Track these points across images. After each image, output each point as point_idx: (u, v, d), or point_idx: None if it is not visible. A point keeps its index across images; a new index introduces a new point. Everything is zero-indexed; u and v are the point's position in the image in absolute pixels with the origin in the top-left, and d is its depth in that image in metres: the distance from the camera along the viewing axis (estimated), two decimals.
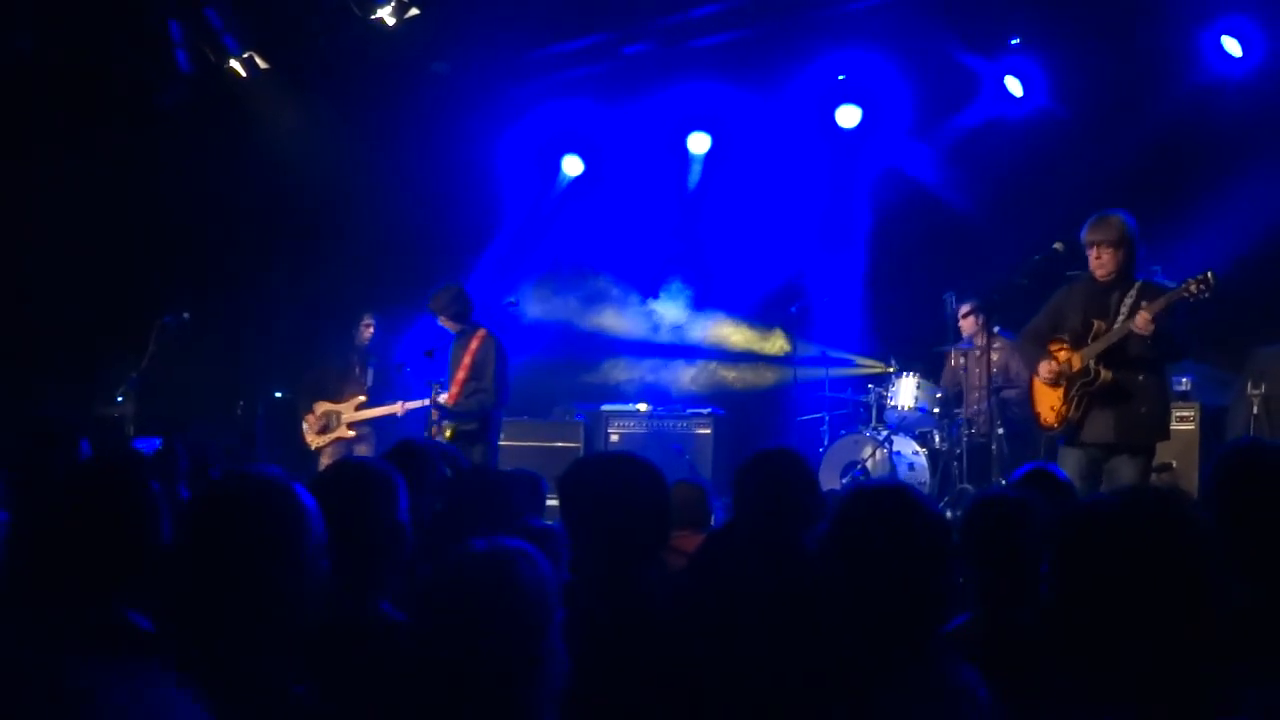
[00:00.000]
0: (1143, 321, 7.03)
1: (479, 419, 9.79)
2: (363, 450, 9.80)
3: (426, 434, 9.52)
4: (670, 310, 13.38)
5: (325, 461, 9.78)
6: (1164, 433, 7.53)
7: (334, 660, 3.12)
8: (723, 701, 2.52)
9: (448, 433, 9.54)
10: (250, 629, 2.84)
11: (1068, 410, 7.50)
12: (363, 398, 10.29)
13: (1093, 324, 7.42)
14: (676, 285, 13.35)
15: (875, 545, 2.90)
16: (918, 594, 2.89)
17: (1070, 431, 7.52)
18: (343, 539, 3.06)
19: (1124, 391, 7.32)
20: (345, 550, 3.08)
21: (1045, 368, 7.61)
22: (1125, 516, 2.26)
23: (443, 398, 9.68)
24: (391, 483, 3.50)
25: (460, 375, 9.78)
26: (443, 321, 10.00)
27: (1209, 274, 6.94)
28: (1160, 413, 7.47)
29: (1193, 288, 6.97)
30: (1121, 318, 7.31)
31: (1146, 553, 2.19)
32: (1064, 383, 7.52)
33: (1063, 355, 7.57)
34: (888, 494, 3.02)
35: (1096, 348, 7.34)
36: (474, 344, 9.85)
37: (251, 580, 2.85)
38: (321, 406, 9.94)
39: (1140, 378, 7.33)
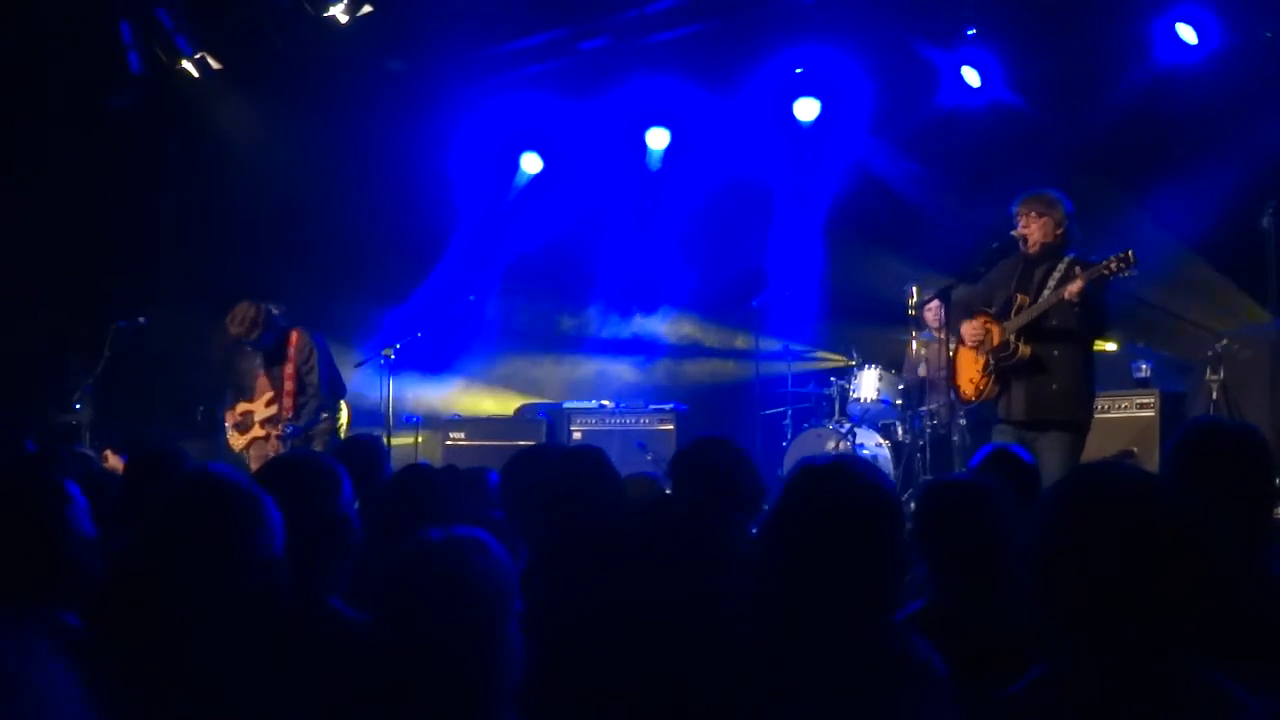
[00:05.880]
0: (1077, 288, 6.99)
1: (324, 422, 9.42)
2: (278, 449, 9.34)
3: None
4: (633, 307, 13.35)
5: (253, 462, 9.37)
6: (1082, 410, 7.34)
7: (285, 657, 3.07)
8: (670, 689, 2.49)
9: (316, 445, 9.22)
10: (194, 627, 2.80)
11: (985, 384, 7.47)
12: (271, 394, 9.73)
13: (1015, 298, 7.38)
14: (640, 282, 13.32)
15: (820, 519, 2.85)
16: (867, 568, 2.84)
17: (989, 407, 7.53)
18: (286, 534, 3.01)
19: (1039, 367, 7.26)
20: (289, 545, 3.03)
21: (969, 328, 7.55)
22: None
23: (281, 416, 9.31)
24: (332, 476, 3.43)
25: (289, 387, 9.33)
26: (250, 348, 9.43)
27: (1129, 252, 6.93)
28: (1076, 389, 7.30)
29: (1113, 265, 6.95)
30: (1048, 291, 7.27)
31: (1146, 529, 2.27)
32: (984, 355, 7.49)
33: (986, 327, 7.54)
34: (833, 468, 2.96)
35: (1018, 322, 7.29)
36: (290, 352, 9.38)
37: (202, 578, 2.81)
38: (241, 406, 9.63)
39: (1056, 353, 7.25)
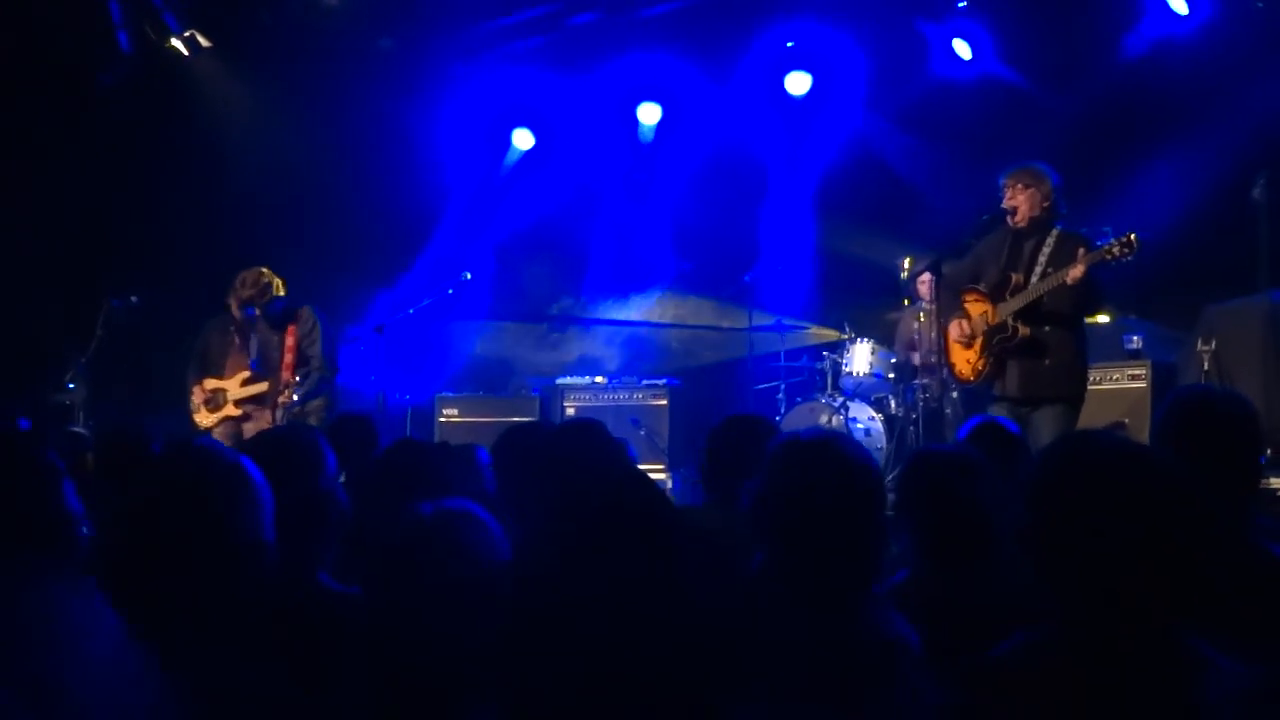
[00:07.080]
0: (1079, 273, 6.98)
1: (321, 395, 9.38)
2: (251, 428, 9.26)
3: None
4: (626, 282, 13.35)
5: (220, 440, 9.28)
6: (1076, 385, 7.35)
7: (273, 633, 3.07)
8: (655, 662, 2.49)
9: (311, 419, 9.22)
10: (197, 608, 2.79)
11: (983, 365, 7.48)
12: (247, 373, 9.47)
13: (1010, 277, 7.37)
14: (632, 256, 13.30)
15: (804, 492, 2.86)
16: (850, 540, 2.85)
17: (988, 386, 7.53)
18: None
19: (1037, 346, 7.26)
20: (275, 521, 3.02)
21: (955, 328, 7.61)
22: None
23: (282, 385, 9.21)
24: (316, 450, 3.41)
25: (289, 359, 9.27)
26: (258, 311, 9.36)
27: (1132, 236, 6.88)
28: (1068, 365, 7.31)
29: (1115, 250, 6.91)
30: (1040, 267, 7.27)
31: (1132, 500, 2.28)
32: (980, 336, 7.50)
33: (978, 307, 7.54)
34: (816, 442, 2.97)
35: (1014, 304, 7.29)
36: (294, 322, 9.38)
37: (201, 556, 2.81)
38: (210, 382, 9.51)
39: (1048, 329, 7.26)
